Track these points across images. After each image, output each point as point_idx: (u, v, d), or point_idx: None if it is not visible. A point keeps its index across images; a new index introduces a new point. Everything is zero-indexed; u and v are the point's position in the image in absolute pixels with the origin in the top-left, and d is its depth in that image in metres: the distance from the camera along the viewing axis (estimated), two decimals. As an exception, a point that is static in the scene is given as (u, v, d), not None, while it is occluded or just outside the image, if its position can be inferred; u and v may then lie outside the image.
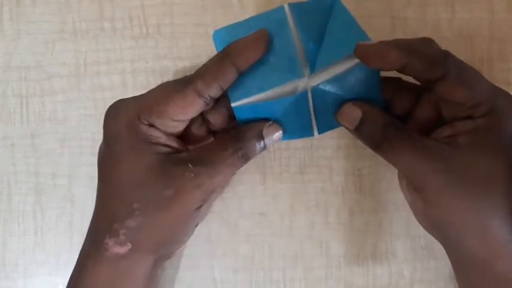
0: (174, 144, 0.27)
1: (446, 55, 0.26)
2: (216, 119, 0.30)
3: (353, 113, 0.27)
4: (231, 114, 0.29)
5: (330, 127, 0.29)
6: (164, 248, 0.29)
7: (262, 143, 0.28)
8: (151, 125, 0.27)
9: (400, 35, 0.34)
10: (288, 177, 0.35)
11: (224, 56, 0.26)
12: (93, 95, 0.35)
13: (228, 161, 0.27)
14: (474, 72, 0.27)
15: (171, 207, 0.27)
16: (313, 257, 0.35)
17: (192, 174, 0.26)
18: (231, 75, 0.26)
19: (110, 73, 0.35)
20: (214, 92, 0.26)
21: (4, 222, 0.35)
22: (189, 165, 0.26)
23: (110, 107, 0.28)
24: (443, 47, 0.34)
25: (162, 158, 0.27)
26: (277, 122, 0.28)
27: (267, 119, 0.28)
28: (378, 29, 0.34)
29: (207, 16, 0.35)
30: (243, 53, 0.26)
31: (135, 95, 0.34)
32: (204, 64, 0.27)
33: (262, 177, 0.35)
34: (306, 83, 0.25)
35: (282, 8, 0.26)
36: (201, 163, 0.27)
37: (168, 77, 0.35)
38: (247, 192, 0.35)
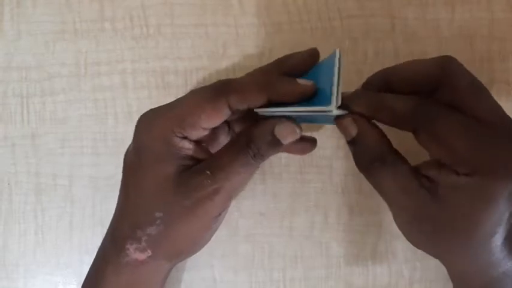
0: (201, 155, 0.28)
1: (415, 109, 0.25)
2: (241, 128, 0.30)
3: (349, 128, 0.27)
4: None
5: None
6: (181, 256, 0.29)
7: (275, 141, 0.27)
8: (184, 137, 0.27)
9: (400, 34, 0.34)
10: (288, 177, 0.35)
11: (265, 87, 0.26)
12: (94, 95, 0.35)
13: (241, 161, 0.27)
14: (452, 126, 0.25)
15: (191, 216, 0.27)
16: (313, 257, 0.35)
17: (209, 181, 0.26)
18: (263, 102, 0.26)
19: (111, 73, 0.35)
20: (242, 108, 0.26)
21: (5, 222, 0.35)
22: (207, 172, 0.26)
23: (143, 117, 0.28)
24: (443, 47, 0.34)
25: (184, 169, 0.27)
26: (293, 120, 0.27)
27: (282, 117, 0.27)
28: (378, 29, 0.34)
29: (207, 16, 0.35)
30: (282, 97, 0.26)
31: (135, 95, 0.35)
32: (243, 79, 0.27)
33: (262, 177, 0.35)
34: (332, 110, 0.25)
35: (334, 52, 0.26)
36: (217, 167, 0.27)
37: (169, 77, 0.35)
38: (247, 192, 0.35)
